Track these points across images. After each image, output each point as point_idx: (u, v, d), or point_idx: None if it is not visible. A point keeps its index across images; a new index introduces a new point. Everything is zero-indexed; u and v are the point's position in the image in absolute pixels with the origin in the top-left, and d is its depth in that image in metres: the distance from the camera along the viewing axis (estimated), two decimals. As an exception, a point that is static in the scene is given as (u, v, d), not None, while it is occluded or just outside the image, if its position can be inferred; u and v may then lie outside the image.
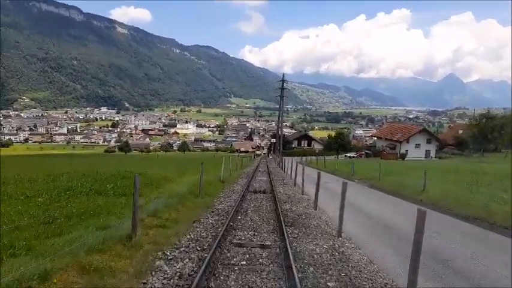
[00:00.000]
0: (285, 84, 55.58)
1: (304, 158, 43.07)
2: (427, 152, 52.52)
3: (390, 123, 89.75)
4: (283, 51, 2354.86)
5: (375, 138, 67.07)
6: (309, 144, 78.12)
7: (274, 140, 69.61)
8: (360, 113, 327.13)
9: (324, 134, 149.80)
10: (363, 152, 61.54)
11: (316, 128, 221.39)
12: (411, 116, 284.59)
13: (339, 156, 57.77)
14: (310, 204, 10.75)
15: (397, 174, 18.68)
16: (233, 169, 22.29)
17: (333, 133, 68.05)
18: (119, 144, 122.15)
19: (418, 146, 52.54)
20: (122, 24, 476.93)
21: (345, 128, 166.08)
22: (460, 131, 59.57)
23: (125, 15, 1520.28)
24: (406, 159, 47.42)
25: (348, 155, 60.09)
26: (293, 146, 75.22)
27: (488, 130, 38.09)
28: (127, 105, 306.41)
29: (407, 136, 52.35)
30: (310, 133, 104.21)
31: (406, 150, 51.04)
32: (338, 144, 57.91)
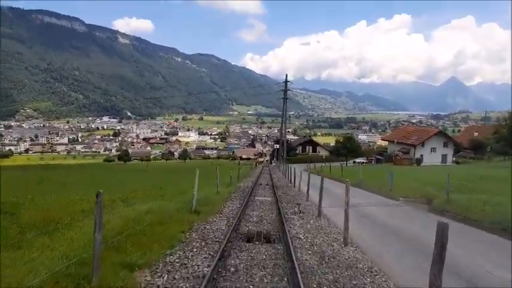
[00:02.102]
0: (287, 91, 52.87)
1: (313, 165, 40.17)
2: (444, 157, 48.91)
3: (396, 127, 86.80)
4: (285, 58, 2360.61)
5: (386, 142, 63.77)
6: (314, 150, 74.92)
7: (277, 146, 66.55)
8: (363, 118, 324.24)
9: (327, 140, 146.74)
10: (373, 158, 58.36)
11: (319, 134, 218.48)
12: (414, 121, 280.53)
13: (346, 162, 54.69)
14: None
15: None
16: (225, 183, 17.53)
17: (340, 138, 64.80)
18: (119, 153, 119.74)
19: (433, 150, 48.65)
20: (124, 35, 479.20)
21: (348, 133, 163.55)
22: (476, 133, 56.45)
23: (127, 25, 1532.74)
24: (421, 164, 44.23)
25: (357, 160, 56.84)
26: (297, 152, 72.07)
27: None
28: (129, 114, 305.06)
29: (422, 139, 48.34)
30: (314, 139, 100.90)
31: (421, 155, 47.45)
32: (347, 150, 54.52)
